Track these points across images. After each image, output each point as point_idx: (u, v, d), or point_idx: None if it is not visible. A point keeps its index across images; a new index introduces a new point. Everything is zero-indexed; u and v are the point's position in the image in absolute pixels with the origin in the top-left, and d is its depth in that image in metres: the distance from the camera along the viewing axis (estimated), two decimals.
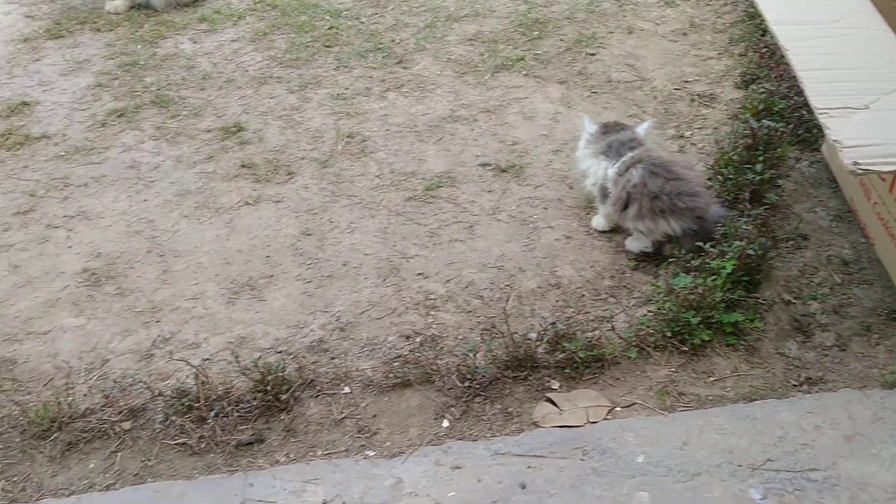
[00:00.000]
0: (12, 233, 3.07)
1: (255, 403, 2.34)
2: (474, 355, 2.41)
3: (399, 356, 2.49)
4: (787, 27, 2.41)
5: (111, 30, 4.31)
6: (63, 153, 3.46)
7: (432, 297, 2.74)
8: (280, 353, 2.56)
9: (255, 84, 3.83)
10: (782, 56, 2.43)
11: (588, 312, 2.61)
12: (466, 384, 2.36)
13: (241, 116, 3.62)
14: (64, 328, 2.68)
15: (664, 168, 2.71)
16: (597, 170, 2.86)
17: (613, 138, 2.87)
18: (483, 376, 2.36)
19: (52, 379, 2.51)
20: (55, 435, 2.30)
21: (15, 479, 2.22)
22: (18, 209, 3.18)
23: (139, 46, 4.14)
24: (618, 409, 2.36)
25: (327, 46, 4.06)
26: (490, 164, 3.27)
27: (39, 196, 3.24)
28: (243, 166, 3.35)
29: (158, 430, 2.31)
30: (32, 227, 3.10)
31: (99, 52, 4.12)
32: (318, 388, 2.42)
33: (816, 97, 2.16)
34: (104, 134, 3.56)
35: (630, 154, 2.78)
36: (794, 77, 2.29)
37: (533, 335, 2.43)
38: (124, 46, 4.15)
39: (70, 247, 3.01)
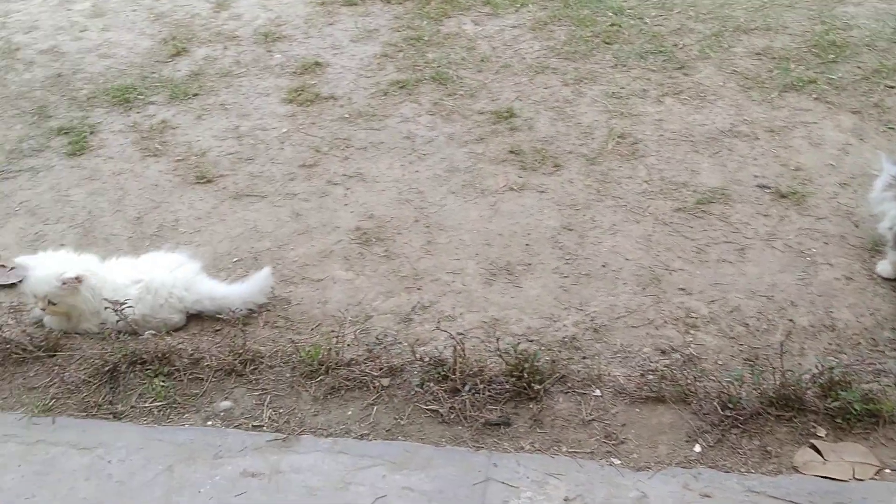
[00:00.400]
0: (297, 183, 3.31)
1: (507, 387, 2.38)
2: (739, 385, 2.31)
3: (654, 370, 2.44)
4: None
5: (400, 3, 4.52)
6: (347, 115, 3.68)
7: (693, 315, 2.65)
8: (532, 341, 2.58)
9: (530, 72, 3.88)
10: None
11: (865, 362, 2.42)
12: (726, 412, 2.27)
13: (514, 103, 3.68)
14: (335, 279, 2.86)
15: None
16: (895, 214, 2.64)
17: None
18: (745, 408, 2.26)
19: (319, 324, 2.69)
20: (321, 378, 2.45)
21: (281, 410, 2.40)
22: (304, 162, 3.42)
23: (424, 22, 4.31)
24: (887, 470, 2.18)
25: (607, 43, 4.03)
26: (769, 187, 3.11)
27: (323, 153, 3.47)
28: (511, 152, 3.41)
29: (413, 393, 2.41)
30: (315, 181, 3.32)
31: (387, 24, 4.33)
32: (568, 384, 2.42)
33: None
34: (385, 103, 3.74)
35: None
36: None
37: (806, 376, 2.29)
38: (411, 21, 4.34)
39: (346, 204, 3.19)
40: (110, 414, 2.38)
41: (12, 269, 2.89)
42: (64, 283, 2.51)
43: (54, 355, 2.55)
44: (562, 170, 3.30)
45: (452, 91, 3.79)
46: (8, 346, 2.55)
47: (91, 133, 3.60)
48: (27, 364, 2.54)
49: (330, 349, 2.49)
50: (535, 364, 2.39)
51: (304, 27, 4.35)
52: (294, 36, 4.28)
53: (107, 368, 2.47)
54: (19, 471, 2.24)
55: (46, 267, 2.56)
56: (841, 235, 2.90)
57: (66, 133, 3.59)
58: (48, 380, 2.49)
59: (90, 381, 2.46)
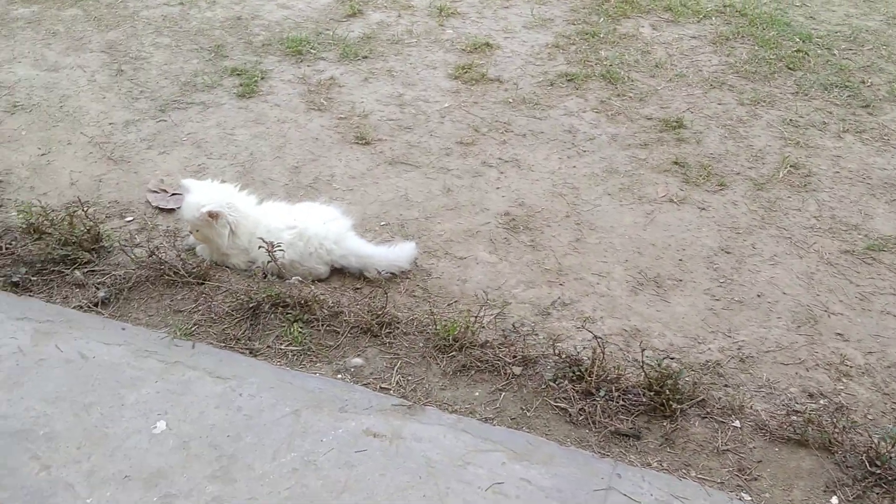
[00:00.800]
0: (452, 159, 3.30)
1: (643, 399, 2.29)
2: (891, 444, 2.15)
3: (800, 411, 2.30)
4: None
5: None
6: (511, 100, 3.64)
7: (848, 363, 2.48)
8: (673, 359, 2.48)
9: (705, 85, 3.74)
10: None
11: None
12: (873, 469, 2.11)
13: (684, 113, 3.56)
14: (478, 260, 2.83)
15: None
16: None
17: None
18: (893, 469, 2.10)
19: (457, 301, 2.67)
20: (454, 354, 2.43)
21: (410, 377, 2.39)
22: (462, 139, 3.40)
23: (601, 19, 4.22)
24: None
25: (790, 68, 3.84)
26: None
27: (482, 133, 3.44)
28: (675, 163, 3.29)
29: (544, 387, 2.35)
30: (470, 160, 3.30)
31: (563, 15, 4.26)
32: (707, 409, 2.31)
33: None
34: (551, 93, 3.68)
35: None
36: None
37: None
38: (587, 16, 4.26)
39: (498, 188, 3.16)
40: (247, 349, 2.42)
41: (174, 194, 2.99)
42: (201, 215, 2.58)
43: (203, 283, 2.63)
44: (727, 190, 3.16)
45: (622, 92, 3.69)
46: (161, 268, 2.64)
47: (262, 78, 3.69)
48: (176, 287, 2.62)
49: (467, 327, 2.46)
50: (678, 382, 2.29)
51: (479, 6, 4.34)
52: (468, 14, 4.27)
53: (251, 305, 2.52)
54: (155, 386, 2.31)
55: (199, 195, 2.63)
56: None
57: (238, 74, 3.69)
58: (194, 306, 2.56)
59: (233, 315, 2.51)
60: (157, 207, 2.98)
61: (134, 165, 3.18)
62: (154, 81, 3.64)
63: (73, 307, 2.53)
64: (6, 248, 2.73)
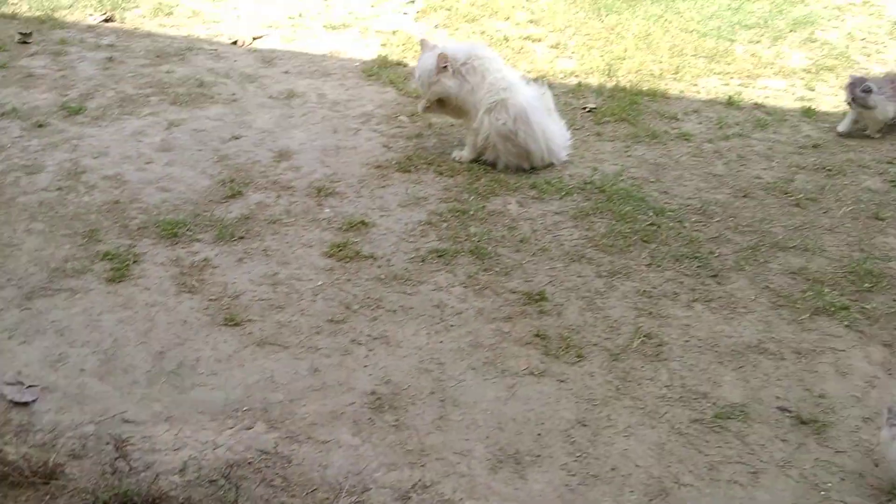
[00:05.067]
0: (322, 337, 3.36)
1: None
2: None
3: None
4: None
5: (451, 176, 4.70)
6: (383, 276, 3.77)
7: None
8: None
9: (566, 259, 3.95)
10: None
11: None
12: None
13: (546, 287, 3.74)
14: (340, 443, 2.84)
15: None
16: None
17: None
18: None
19: (315, 489, 2.65)
20: None
21: None
22: (333, 317, 3.48)
23: (472, 197, 4.46)
24: None
25: (644, 241, 4.11)
26: (791, 411, 3.06)
27: (354, 310, 3.53)
28: (537, 335, 3.43)
29: None
30: (339, 338, 3.36)
31: (437, 194, 4.49)
32: None
33: None
34: (422, 269, 3.83)
35: None
36: None
37: None
38: (459, 194, 4.50)
39: (366, 366, 3.22)
40: None
41: (30, 386, 2.95)
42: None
43: (48, 483, 2.55)
44: (584, 361, 3.30)
45: (488, 267, 3.87)
46: (5, 469, 2.55)
47: (134, 262, 3.73)
48: (21, 488, 2.53)
49: None
50: None
51: (357, 186, 4.54)
52: (346, 193, 4.45)
53: None
54: None
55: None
56: (859, 473, 2.81)
57: (110, 259, 3.72)
58: None
59: None
60: (11, 401, 2.91)
61: None
62: (23, 269, 3.63)
63: None
64: None
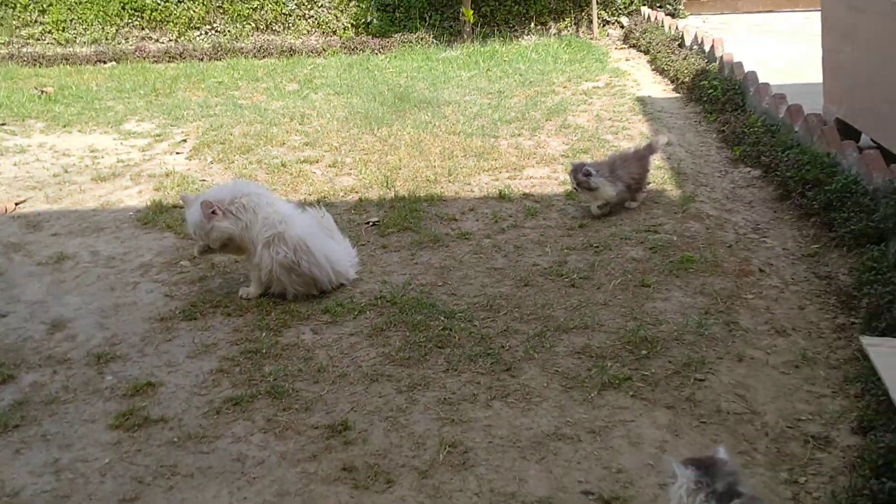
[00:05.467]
0: None
1: None
2: None
3: None
4: None
5: (240, 315, 4.62)
6: (176, 439, 3.59)
7: None
8: None
9: (366, 381, 3.95)
10: None
11: None
12: None
13: (349, 414, 3.70)
14: None
15: None
16: None
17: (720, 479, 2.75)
18: None
19: None
20: None
21: None
22: (124, 496, 3.26)
23: (263, 334, 4.39)
24: None
25: (439, 347, 4.19)
26: (593, 493, 3.17)
27: (147, 483, 3.33)
28: (344, 469, 3.37)
29: None
30: None
31: (226, 337, 4.38)
32: None
33: None
34: (217, 422, 3.69)
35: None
36: None
37: None
38: (250, 333, 4.41)
39: None
40: None
41: None
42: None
43: None
44: (394, 486, 3.27)
45: (287, 405, 3.79)
46: None
47: None
48: None
49: None
50: None
51: (139, 344, 4.35)
52: (129, 355, 4.25)
53: None
54: None
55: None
56: None
57: None
58: None
59: None
60: None
61: None
62: None
63: None
64: None
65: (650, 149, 5.94)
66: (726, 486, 2.67)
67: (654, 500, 3.13)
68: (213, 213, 4.56)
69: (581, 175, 5.48)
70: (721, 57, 8.37)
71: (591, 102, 8.49)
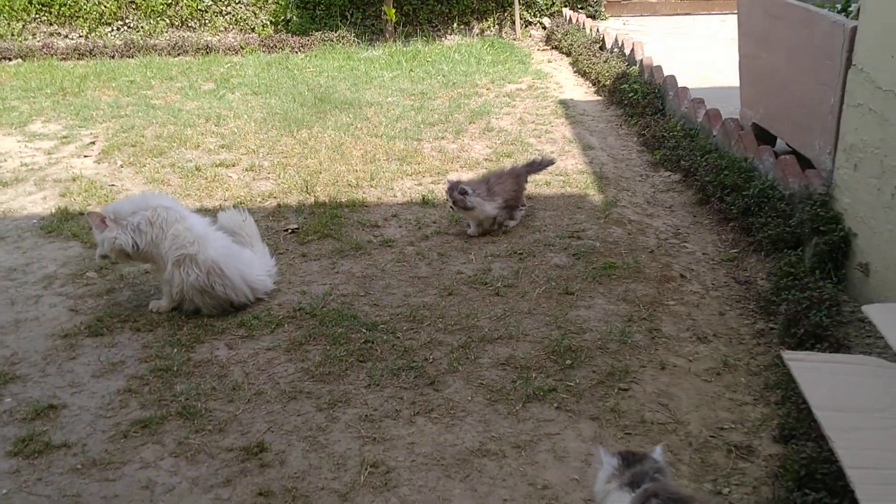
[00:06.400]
0: None
1: None
2: None
3: None
4: (831, 413, 2.33)
5: (150, 330, 4.40)
6: (80, 466, 3.38)
7: None
8: None
9: (284, 398, 3.80)
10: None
11: None
12: None
13: (265, 435, 3.55)
14: None
15: None
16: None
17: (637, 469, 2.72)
18: None
19: None
20: None
21: None
22: None
23: (175, 350, 4.19)
24: None
25: (361, 361, 4.07)
26: None
27: None
28: (260, 494, 3.22)
29: None
30: None
31: (135, 354, 4.17)
32: None
33: (869, 502, 2.02)
34: (124, 447, 3.49)
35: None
36: None
37: None
38: (160, 349, 4.20)
39: None
40: None
41: None
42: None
43: None
44: None
45: (200, 427, 3.61)
46: None
47: None
48: None
49: None
50: None
51: (41, 364, 4.09)
52: (29, 375, 4.00)
53: None
54: None
55: None
56: None
57: None
58: None
59: None
60: None
61: None
62: None
63: None
64: None
65: (532, 166, 5.83)
66: (641, 477, 2.64)
67: None
68: (103, 221, 4.38)
69: (457, 193, 5.29)
70: (641, 60, 8.46)
71: (515, 105, 8.47)
